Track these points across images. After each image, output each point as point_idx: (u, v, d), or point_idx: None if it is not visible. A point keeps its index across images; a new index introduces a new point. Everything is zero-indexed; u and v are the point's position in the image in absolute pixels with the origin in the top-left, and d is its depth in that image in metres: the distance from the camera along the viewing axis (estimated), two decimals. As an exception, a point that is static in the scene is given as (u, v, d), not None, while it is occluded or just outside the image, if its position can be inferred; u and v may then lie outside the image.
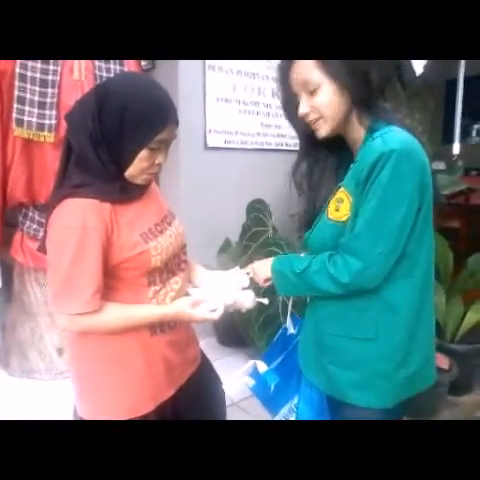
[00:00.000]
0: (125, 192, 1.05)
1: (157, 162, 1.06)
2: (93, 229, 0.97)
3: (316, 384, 1.13)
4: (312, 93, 1.00)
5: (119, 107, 0.97)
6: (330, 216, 1.03)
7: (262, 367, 1.23)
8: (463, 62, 2.90)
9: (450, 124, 3.51)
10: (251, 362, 1.29)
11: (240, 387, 1.29)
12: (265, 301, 1.22)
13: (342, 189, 1.02)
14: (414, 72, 2.53)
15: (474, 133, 4.82)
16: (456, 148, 2.93)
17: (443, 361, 2.01)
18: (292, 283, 1.08)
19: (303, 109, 1.03)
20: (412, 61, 2.48)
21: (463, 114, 3.19)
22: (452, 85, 3.46)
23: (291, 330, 1.32)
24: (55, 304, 1.01)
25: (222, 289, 1.15)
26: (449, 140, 3.41)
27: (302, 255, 1.13)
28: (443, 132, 4.67)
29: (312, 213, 1.13)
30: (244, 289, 1.20)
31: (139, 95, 0.99)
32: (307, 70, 0.99)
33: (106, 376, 1.09)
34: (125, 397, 1.10)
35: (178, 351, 1.17)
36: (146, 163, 1.03)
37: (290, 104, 1.08)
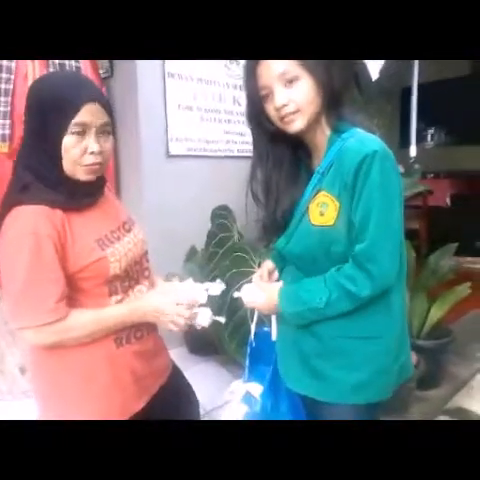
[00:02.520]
0: (74, 197, 1.00)
1: (89, 151, 0.97)
2: (45, 236, 0.93)
3: (303, 392, 1.10)
4: (289, 84, 0.96)
5: (32, 102, 0.97)
6: (314, 222, 1.00)
7: (256, 390, 1.15)
8: (417, 69, 3.01)
9: (406, 129, 3.63)
10: (242, 388, 1.23)
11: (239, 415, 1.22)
12: (222, 320, 1.17)
13: (324, 193, 0.99)
14: (370, 77, 2.60)
15: (429, 138, 5.01)
16: (413, 151, 3.03)
17: (411, 357, 2.04)
18: (310, 318, 1.03)
19: (282, 100, 0.96)
20: (368, 66, 2.55)
21: (418, 120, 3.30)
22: (408, 92, 3.59)
23: (253, 344, 1.28)
24: (17, 318, 0.96)
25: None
26: (406, 145, 3.51)
27: (304, 280, 1.04)
28: (400, 137, 4.83)
29: (274, 221, 1.09)
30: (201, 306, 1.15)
31: (46, 83, 0.99)
32: (284, 61, 0.95)
33: (72, 393, 1.05)
34: (92, 413, 1.05)
35: (146, 362, 1.13)
36: (74, 151, 0.96)
37: (256, 99, 1.02)
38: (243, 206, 1.15)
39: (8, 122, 2.07)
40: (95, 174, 1.03)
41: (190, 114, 2.79)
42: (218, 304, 1.20)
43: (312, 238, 1.01)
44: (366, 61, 2.73)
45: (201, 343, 2.55)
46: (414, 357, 2.06)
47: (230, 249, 2.32)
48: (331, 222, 0.97)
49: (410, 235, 2.81)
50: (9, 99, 2.08)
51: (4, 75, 2.08)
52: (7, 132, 2.08)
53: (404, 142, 4.72)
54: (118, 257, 1.05)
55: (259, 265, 1.95)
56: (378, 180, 0.91)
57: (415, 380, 1.99)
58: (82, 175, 1.00)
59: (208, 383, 2.36)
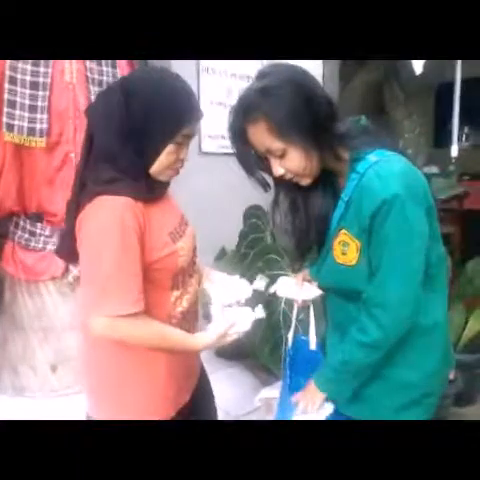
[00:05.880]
0: (152, 190, 1.03)
1: (181, 157, 1.04)
2: (131, 228, 0.94)
3: (349, 413, 1.10)
4: (281, 157, 0.97)
5: (147, 100, 0.96)
6: (338, 260, 1.01)
7: (329, 408, 1.11)
8: (459, 66, 2.89)
9: (441, 128, 3.50)
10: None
11: None
12: (262, 314, 1.15)
13: (344, 231, 0.98)
14: (414, 72, 2.50)
15: (464, 138, 4.84)
16: (454, 151, 2.89)
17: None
18: (358, 371, 1.03)
19: (278, 171, 0.99)
20: (412, 61, 2.45)
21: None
22: (442, 89, 3.46)
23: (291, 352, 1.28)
24: (98, 305, 0.94)
25: (233, 311, 1.13)
26: (441, 144, 3.39)
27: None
28: (434, 136, 4.69)
29: (306, 242, 1.11)
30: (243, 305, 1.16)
31: (167, 87, 0.98)
32: (266, 140, 0.95)
33: (133, 386, 1.06)
34: (150, 405, 1.07)
35: (192, 356, 1.18)
36: (172, 158, 1.01)
37: (251, 160, 1.03)
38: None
39: (46, 116, 2.06)
40: (173, 176, 1.08)
41: (223, 111, 2.74)
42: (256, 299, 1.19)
43: (338, 274, 1.03)
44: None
45: (230, 347, 2.51)
46: (451, 372, 2.00)
47: (263, 251, 2.28)
48: (353, 262, 0.97)
49: (444, 240, 2.71)
50: (47, 93, 2.06)
51: (42, 69, 2.06)
52: (45, 126, 2.06)
53: (439, 141, 4.57)
54: (186, 251, 1.07)
55: (292, 268, 1.91)
56: (395, 223, 0.90)
57: (451, 396, 1.93)
58: (164, 177, 1.05)
59: (234, 388, 2.33)
